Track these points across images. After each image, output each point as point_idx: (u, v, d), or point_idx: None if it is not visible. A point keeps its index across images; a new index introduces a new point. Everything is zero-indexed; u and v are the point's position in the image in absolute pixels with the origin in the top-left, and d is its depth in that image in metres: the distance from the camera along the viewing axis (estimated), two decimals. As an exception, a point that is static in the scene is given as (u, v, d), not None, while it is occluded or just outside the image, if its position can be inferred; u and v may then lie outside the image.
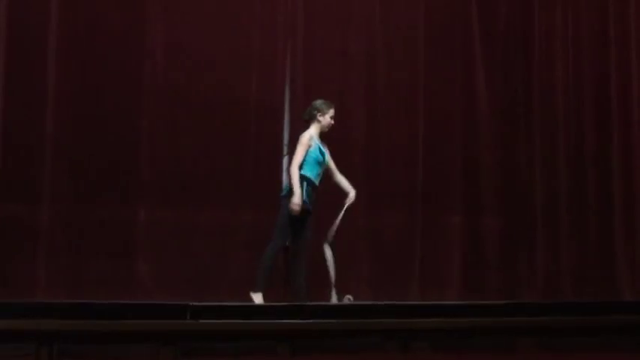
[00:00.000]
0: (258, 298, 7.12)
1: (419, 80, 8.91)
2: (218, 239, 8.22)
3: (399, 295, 8.27)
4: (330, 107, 7.52)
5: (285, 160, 8.43)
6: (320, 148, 7.43)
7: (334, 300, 7.34)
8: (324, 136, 7.56)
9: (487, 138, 9.01)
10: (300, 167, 7.32)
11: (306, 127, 7.50)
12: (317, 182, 7.40)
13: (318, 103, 7.52)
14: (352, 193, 7.54)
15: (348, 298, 7.44)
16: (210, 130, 8.26)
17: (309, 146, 7.39)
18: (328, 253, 7.40)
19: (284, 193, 7.43)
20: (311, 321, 6.28)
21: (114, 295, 7.28)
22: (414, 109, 8.87)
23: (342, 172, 8.10)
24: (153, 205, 8.08)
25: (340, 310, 6.83)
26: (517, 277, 8.84)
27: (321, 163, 7.42)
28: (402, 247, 8.65)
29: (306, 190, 7.30)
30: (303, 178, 7.30)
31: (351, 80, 8.76)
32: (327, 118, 7.51)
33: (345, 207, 7.52)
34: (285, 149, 8.51)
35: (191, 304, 6.17)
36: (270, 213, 8.17)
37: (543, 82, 9.09)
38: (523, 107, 9.09)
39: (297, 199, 7.17)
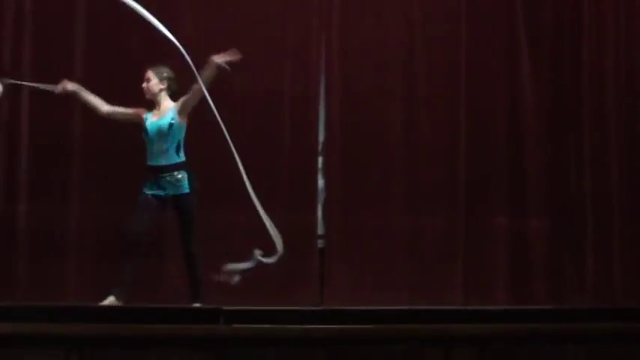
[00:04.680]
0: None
1: (460, 73, 8.91)
2: (251, 241, 7.93)
3: (442, 300, 8.37)
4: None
5: (321, 159, 8.62)
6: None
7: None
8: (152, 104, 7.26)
9: (534, 134, 8.98)
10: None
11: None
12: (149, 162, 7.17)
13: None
14: None
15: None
16: (243, 128, 8.24)
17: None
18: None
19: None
20: (349, 326, 6.30)
21: (145, 299, 7.39)
22: (456, 103, 8.88)
23: (379, 170, 8.46)
24: None
25: (379, 316, 6.79)
26: (566, 281, 8.84)
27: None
28: (443, 249, 8.71)
29: None
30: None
31: (389, 73, 8.79)
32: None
33: None
34: (321, 147, 8.63)
35: (224, 308, 6.20)
36: (305, 215, 8.53)
37: (594, 75, 9.01)
38: (572, 101, 9.03)
39: None
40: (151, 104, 7.18)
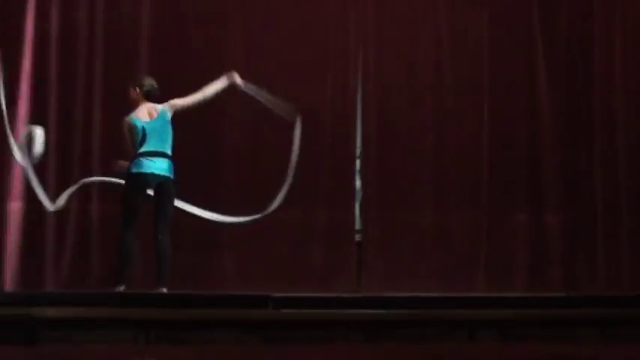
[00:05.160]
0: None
1: (484, 84, 8.95)
2: (296, 236, 8.43)
3: (467, 288, 8.39)
4: None
5: (358, 162, 8.68)
6: None
7: None
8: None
9: (549, 138, 8.96)
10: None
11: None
12: None
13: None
14: None
15: None
16: (287, 136, 8.17)
17: None
18: None
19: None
20: (384, 311, 6.37)
21: (202, 287, 7.53)
22: (479, 111, 8.92)
23: (410, 171, 8.49)
24: (235, 206, 8.18)
25: (412, 302, 6.87)
26: (579, 270, 8.80)
27: None
28: (469, 242, 8.76)
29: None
30: None
31: (419, 86, 8.88)
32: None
33: None
34: (358, 151, 8.71)
35: (273, 295, 6.25)
36: (344, 212, 8.59)
37: (603, 83, 8.99)
38: (584, 107, 9.00)
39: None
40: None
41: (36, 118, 7.84)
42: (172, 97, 7.85)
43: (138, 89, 7.11)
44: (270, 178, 7.90)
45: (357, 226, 8.73)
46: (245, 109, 8.23)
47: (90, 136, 8.35)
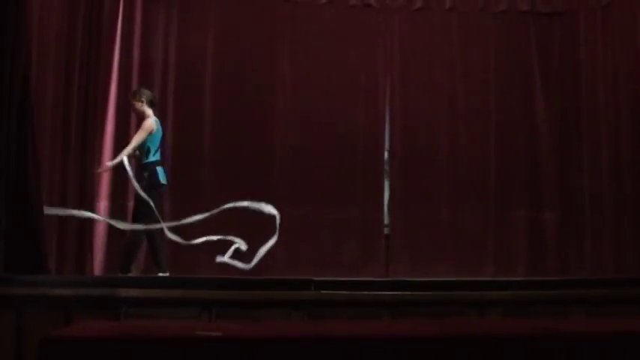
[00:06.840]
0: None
1: (490, 103, 8.90)
2: (335, 230, 8.39)
3: (477, 273, 8.30)
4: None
5: (386, 169, 8.61)
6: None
7: None
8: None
9: (545, 149, 8.92)
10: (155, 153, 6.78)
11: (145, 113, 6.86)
12: None
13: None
14: None
15: None
16: (327, 147, 8.46)
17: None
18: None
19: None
20: (408, 293, 6.33)
21: (257, 272, 7.43)
22: (487, 126, 8.89)
23: (430, 174, 8.41)
24: (285, 205, 8.13)
25: (432, 285, 6.80)
26: (570, 258, 8.72)
27: None
28: (478, 234, 8.66)
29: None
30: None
31: (437, 104, 8.85)
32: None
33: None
34: (386, 160, 8.65)
35: (315, 278, 6.20)
36: (374, 209, 8.56)
37: (589, 105, 8.88)
38: (573, 125, 8.93)
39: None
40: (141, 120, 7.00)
41: (119, 136, 7.88)
42: (231, 118, 7.92)
43: (143, 100, 6.85)
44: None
45: (386, 221, 8.66)
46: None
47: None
